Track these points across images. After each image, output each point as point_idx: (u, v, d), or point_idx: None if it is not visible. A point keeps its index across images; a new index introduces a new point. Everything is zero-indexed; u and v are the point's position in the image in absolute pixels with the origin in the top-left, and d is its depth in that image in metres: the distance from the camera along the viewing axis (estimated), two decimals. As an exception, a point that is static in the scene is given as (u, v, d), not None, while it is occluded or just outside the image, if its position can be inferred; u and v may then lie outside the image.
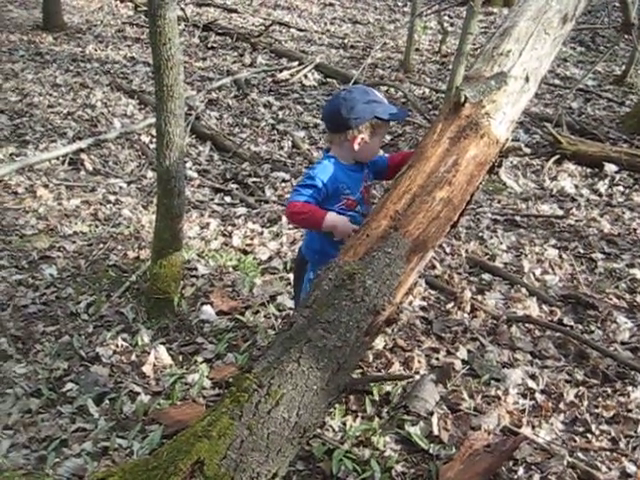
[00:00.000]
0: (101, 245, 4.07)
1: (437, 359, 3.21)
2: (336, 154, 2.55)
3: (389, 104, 2.58)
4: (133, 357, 3.06)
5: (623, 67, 7.97)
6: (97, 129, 5.97)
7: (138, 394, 2.85)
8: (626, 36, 8.87)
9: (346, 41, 9.20)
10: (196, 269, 3.79)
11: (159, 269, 3.32)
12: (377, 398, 2.88)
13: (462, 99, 2.36)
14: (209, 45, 8.58)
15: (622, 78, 7.74)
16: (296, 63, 7.86)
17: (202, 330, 3.32)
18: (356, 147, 2.48)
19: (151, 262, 3.36)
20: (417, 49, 8.52)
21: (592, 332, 3.47)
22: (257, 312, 3.46)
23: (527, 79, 2.46)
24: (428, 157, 2.34)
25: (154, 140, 5.74)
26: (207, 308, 3.41)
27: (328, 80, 7.64)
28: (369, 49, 8.81)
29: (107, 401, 2.82)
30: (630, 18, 3.29)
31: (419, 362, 3.17)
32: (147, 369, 2.99)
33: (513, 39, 2.49)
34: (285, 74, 7.63)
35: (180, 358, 3.09)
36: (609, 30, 8.53)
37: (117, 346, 3.13)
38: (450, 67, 7.92)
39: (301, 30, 9.57)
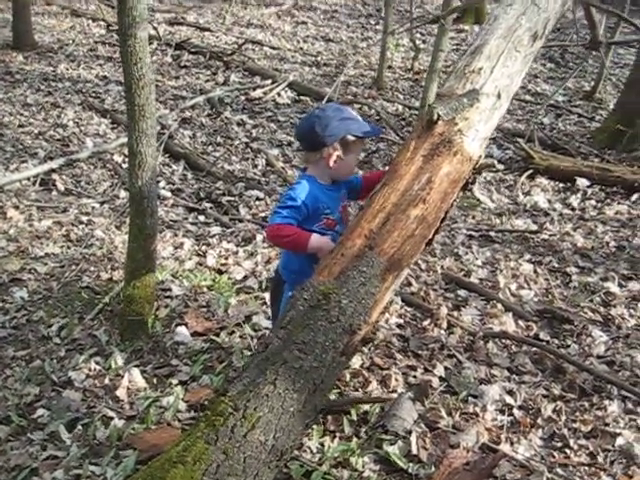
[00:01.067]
0: (73, 267, 4.01)
1: (414, 377, 3.20)
2: (313, 173, 2.54)
3: (363, 121, 2.58)
4: (106, 381, 3.00)
5: (592, 83, 8.11)
6: (69, 149, 5.91)
7: (112, 419, 2.79)
8: (594, 53, 9.05)
9: (319, 59, 9.25)
10: (170, 290, 3.75)
11: (132, 290, 3.27)
12: (355, 418, 2.85)
13: (435, 116, 2.36)
14: (182, 64, 8.57)
15: (591, 94, 7.87)
16: (269, 81, 7.88)
17: (177, 352, 3.26)
18: (332, 164, 2.48)
19: (124, 283, 3.31)
20: (390, 66, 8.59)
21: (568, 346, 3.49)
22: (232, 332, 3.41)
23: (499, 96, 2.48)
24: (402, 175, 2.33)
25: (127, 160, 5.69)
26: (182, 329, 3.37)
27: (301, 98, 7.67)
28: (342, 67, 8.86)
29: (80, 427, 2.75)
30: (598, 36, 3.34)
31: (396, 380, 3.15)
32: (121, 393, 2.93)
33: (484, 57, 2.50)
34: (258, 92, 7.64)
35: (154, 381, 3.04)
36: (577, 47, 8.67)
37: (90, 370, 3.06)
38: (423, 84, 8.01)
39: (274, 48, 9.61)
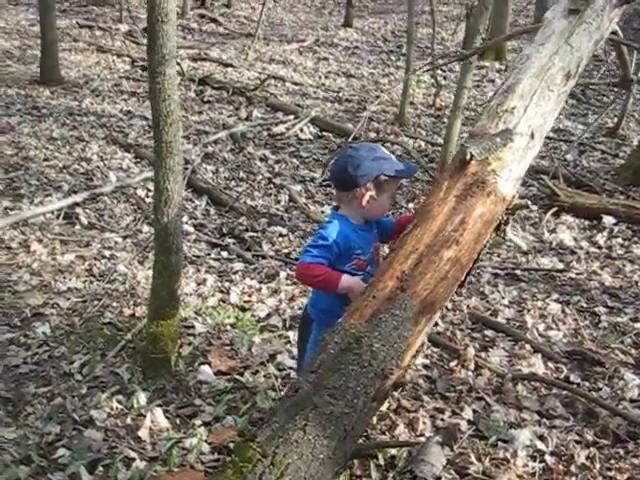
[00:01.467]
0: (96, 302, 3.98)
1: (442, 420, 3.12)
2: (345, 213, 2.51)
3: (396, 160, 2.56)
4: (128, 420, 2.95)
5: (615, 119, 8.07)
6: (92, 183, 5.93)
7: (133, 460, 2.73)
8: (616, 89, 9.03)
9: (341, 95, 9.30)
10: (193, 327, 3.70)
11: (156, 328, 3.23)
12: (382, 463, 2.77)
13: (468, 156, 2.33)
14: (205, 99, 8.65)
15: (614, 130, 7.83)
16: (292, 117, 7.91)
17: (200, 391, 3.21)
18: (364, 205, 2.45)
19: (147, 320, 3.27)
20: (411, 102, 8.61)
21: (599, 389, 3.39)
22: (256, 372, 3.36)
23: (532, 136, 2.44)
24: (435, 215, 2.30)
25: (150, 194, 5.73)
26: (205, 368, 3.32)
27: (324, 134, 7.69)
28: (364, 102, 8.91)
29: (101, 467, 2.69)
30: (629, 74, 3.31)
31: (424, 423, 3.07)
32: (143, 433, 2.87)
33: (517, 96, 2.48)
34: (281, 128, 7.68)
35: (177, 421, 2.98)
36: (600, 84, 8.67)
37: (112, 409, 3.01)
38: (445, 120, 8.03)
39: (296, 84, 9.68)
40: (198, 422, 2.96)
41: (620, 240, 5.21)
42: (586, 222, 5.51)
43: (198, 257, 4.84)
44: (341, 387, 2.05)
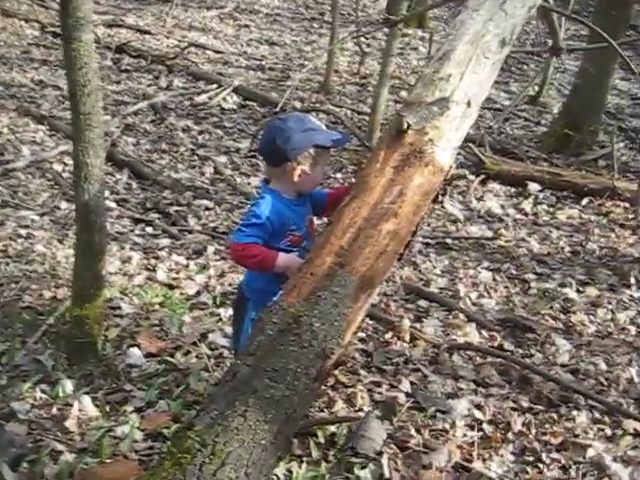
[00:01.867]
0: (13, 285, 3.74)
1: (380, 394, 3.09)
2: (277, 187, 2.40)
3: (328, 130, 2.46)
4: (54, 410, 2.77)
5: (536, 88, 8.21)
6: (4, 157, 5.57)
7: (61, 453, 2.56)
8: (537, 58, 9.19)
9: (264, 63, 9.08)
10: (120, 308, 3.53)
11: (80, 311, 3.05)
12: (322, 440, 2.72)
13: (404, 125, 2.25)
14: (122, 68, 8.26)
15: (536, 98, 7.97)
16: (214, 86, 7.67)
17: (130, 375, 3.06)
18: (296, 179, 2.35)
19: (71, 303, 3.09)
20: (336, 70, 8.49)
21: (532, 356, 3.45)
22: (188, 352, 3.24)
23: (469, 104, 2.39)
24: (372, 187, 2.22)
25: (67, 168, 5.44)
26: (134, 351, 3.16)
27: (248, 103, 7.49)
28: (288, 71, 8.73)
29: (25, 464, 2.52)
30: (559, 42, 3.31)
31: (362, 398, 3.03)
32: (70, 423, 2.71)
33: (453, 63, 2.41)
34: (203, 97, 7.43)
35: (107, 408, 2.83)
36: (520, 53, 8.79)
37: (35, 399, 2.83)
38: (370, 89, 7.97)
39: (217, 52, 9.38)
40: (129, 408, 2.82)
41: (545, 207, 5.32)
42: (512, 189, 5.60)
43: (121, 234, 4.62)
44: (281, 369, 1.97)
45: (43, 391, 2.88)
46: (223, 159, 6.09)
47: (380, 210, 2.18)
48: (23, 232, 4.43)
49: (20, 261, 4.03)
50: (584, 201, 5.41)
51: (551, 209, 5.29)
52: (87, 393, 2.90)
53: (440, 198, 2.39)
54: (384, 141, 2.34)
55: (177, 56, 8.52)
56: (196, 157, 6.08)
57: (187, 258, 4.26)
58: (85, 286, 3.03)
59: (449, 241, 4.64)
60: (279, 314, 2.05)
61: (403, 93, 8.07)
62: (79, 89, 2.74)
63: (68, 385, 2.90)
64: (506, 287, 4.09)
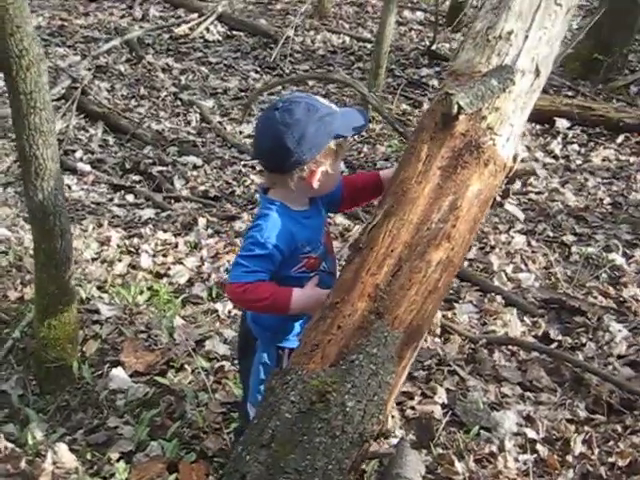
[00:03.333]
0: (-29, 284, 3.19)
1: (412, 408, 2.61)
2: (282, 198, 1.78)
3: (337, 107, 1.81)
4: (23, 464, 2.27)
5: None
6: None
7: (34, 522, 2.10)
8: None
9: (249, -18, 8.19)
10: (98, 312, 2.99)
11: (47, 331, 2.51)
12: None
13: (455, 109, 1.64)
14: (91, -3, 7.40)
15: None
16: (195, 15, 6.84)
17: (114, 404, 2.55)
18: (315, 184, 1.74)
19: (36, 322, 2.55)
20: (330, -13, 7.63)
21: (584, 345, 2.96)
22: (181, 367, 2.72)
23: (537, 72, 1.77)
24: (414, 199, 1.63)
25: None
26: (117, 372, 2.64)
27: (234, 33, 6.70)
28: (276, -8, 7.86)
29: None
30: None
31: (392, 417, 2.55)
32: (44, 480, 2.22)
33: (514, 14, 1.77)
34: (184, 28, 6.64)
35: (88, 455, 2.32)
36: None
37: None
38: (368, 9, 7.17)
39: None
40: (115, 455, 2.32)
41: (576, 147, 4.71)
42: (538, 127, 4.96)
43: (98, 204, 4.04)
44: (306, 469, 1.45)
45: (8, 437, 2.37)
46: (210, 103, 5.41)
47: (427, 232, 1.60)
48: (-17, 211, 3.83)
49: (-21, 251, 3.45)
50: (619, 138, 4.79)
51: (583, 149, 4.69)
52: (63, 435, 2.40)
53: (501, 201, 1.81)
54: (426, 130, 1.73)
55: (151, -20, 7.62)
56: (179, 102, 5.40)
57: (175, 234, 3.68)
58: (51, 303, 2.48)
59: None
60: (298, 389, 1.51)
61: (406, 13, 7.27)
62: (14, 62, 2.09)
63: (38, 429, 2.39)
64: (544, 255, 3.54)
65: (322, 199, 1.92)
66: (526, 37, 1.76)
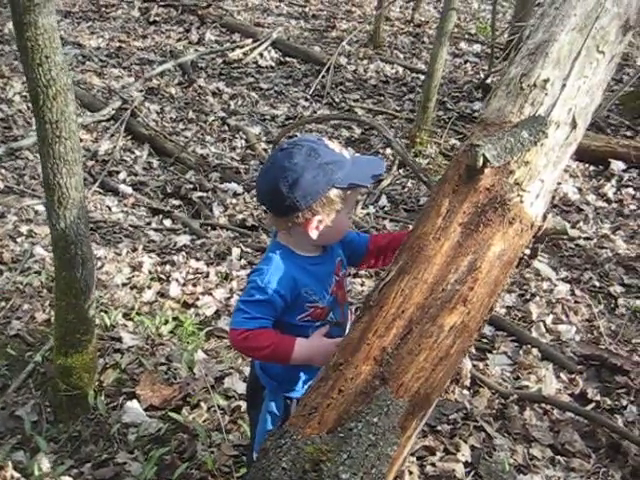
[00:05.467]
0: (3, 304, 3.20)
1: (433, 465, 2.47)
2: (287, 242, 1.71)
3: (350, 155, 1.70)
4: (26, 497, 2.25)
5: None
6: (12, 133, 4.99)
7: None
8: None
9: (307, 10, 8.22)
10: (121, 340, 2.95)
11: (65, 360, 2.49)
12: None
13: (480, 161, 1.53)
14: (151, 19, 7.53)
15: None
16: (250, 40, 6.88)
17: (126, 438, 2.50)
18: (313, 234, 1.65)
19: (54, 350, 2.53)
20: (387, 18, 7.59)
21: (624, 409, 2.76)
22: (197, 404, 2.65)
23: (574, 124, 1.65)
24: (430, 257, 1.52)
25: (86, 144, 4.84)
26: (132, 405, 2.60)
27: (287, 59, 6.71)
28: (333, 19, 7.87)
29: None
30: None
31: (410, 473, 2.42)
32: (44, 517, 2.18)
33: (551, 61, 1.66)
34: (238, 53, 6.68)
35: (92, 491, 2.29)
36: None
37: (5, 479, 2.30)
38: (424, 40, 7.09)
39: (256, -4, 8.56)
40: (119, 493, 2.27)
41: (631, 191, 4.49)
42: (591, 168, 4.76)
43: (136, 228, 4.03)
44: None
45: (17, 465, 2.34)
46: (257, 129, 5.40)
47: (442, 293, 1.49)
48: (24, 229, 3.87)
49: (15, 269, 3.47)
50: (680, 184, 4.56)
51: (638, 194, 4.46)
52: (71, 468, 2.36)
53: (528, 262, 1.69)
54: (448, 182, 1.62)
55: (210, 5, 7.72)
56: (226, 127, 5.40)
57: (207, 263, 3.64)
58: (69, 332, 2.46)
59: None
60: (291, 454, 1.40)
61: (463, 44, 7.16)
62: (41, 91, 2.09)
63: (46, 460, 2.35)
64: (588, 306, 3.36)
65: (344, 249, 1.84)
66: (563, 86, 1.63)
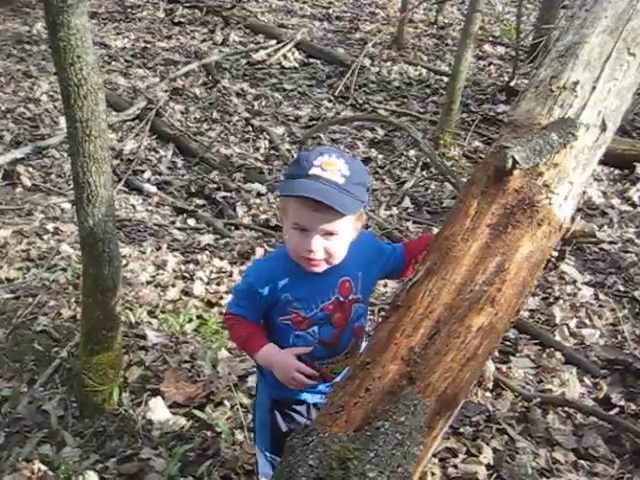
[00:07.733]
0: (30, 299, 3.25)
1: (455, 467, 2.47)
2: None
3: (325, 178, 1.53)
4: (52, 489, 2.28)
5: None
6: (39, 131, 5.06)
7: None
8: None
9: (331, 11, 8.24)
10: (145, 337, 2.99)
11: (90, 356, 2.52)
12: None
13: (509, 163, 1.54)
14: (176, 20, 7.59)
15: None
16: (274, 41, 6.92)
17: (150, 435, 2.53)
18: (284, 235, 1.68)
19: (80, 346, 2.56)
20: (410, 20, 7.59)
21: (649, 414, 2.73)
22: (221, 402, 2.68)
23: (604, 127, 1.65)
24: (458, 257, 1.53)
25: (112, 144, 4.88)
26: (156, 402, 2.62)
27: (311, 60, 6.73)
28: (357, 21, 7.88)
29: None
30: None
31: (432, 474, 2.42)
32: (71, 508, 2.21)
33: (581, 64, 1.66)
34: (262, 54, 6.71)
35: (117, 485, 2.31)
36: None
37: (33, 472, 2.33)
38: (448, 41, 7.07)
39: (280, -1, 8.60)
40: (143, 488, 2.29)
41: (658, 195, 4.45)
42: (617, 172, 4.73)
43: (160, 227, 4.07)
44: (320, 543, 1.35)
45: (43, 460, 2.37)
46: (280, 130, 5.42)
47: (470, 294, 1.49)
48: (50, 226, 3.93)
49: (41, 266, 3.52)
50: None
51: (664, 199, 4.42)
52: (96, 462, 2.38)
53: (556, 264, 1.68)
54: (477, 183, 1.63)
55: (235, 6, 7.77)
56: (250, 128, 5.43)
57: (231, 262, 3.67)
58: (95, 328, 2.49)
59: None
60: (318, 452, 1.41)
61: (487, 47, 7.13)
62: (72, 90, 2.12)
63: (72, 453, 2.38)
64: (612, 310, 3.33)
65: (379, 261, 1.82)
66: (593, 88, 1.64)
